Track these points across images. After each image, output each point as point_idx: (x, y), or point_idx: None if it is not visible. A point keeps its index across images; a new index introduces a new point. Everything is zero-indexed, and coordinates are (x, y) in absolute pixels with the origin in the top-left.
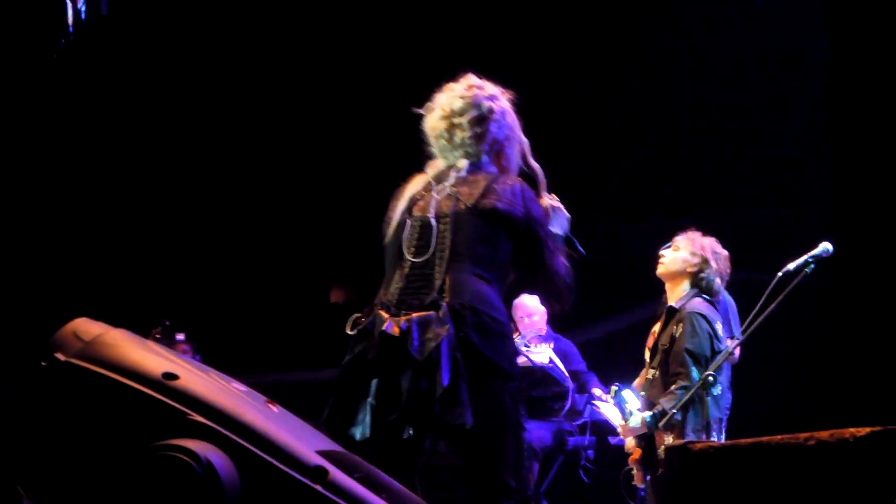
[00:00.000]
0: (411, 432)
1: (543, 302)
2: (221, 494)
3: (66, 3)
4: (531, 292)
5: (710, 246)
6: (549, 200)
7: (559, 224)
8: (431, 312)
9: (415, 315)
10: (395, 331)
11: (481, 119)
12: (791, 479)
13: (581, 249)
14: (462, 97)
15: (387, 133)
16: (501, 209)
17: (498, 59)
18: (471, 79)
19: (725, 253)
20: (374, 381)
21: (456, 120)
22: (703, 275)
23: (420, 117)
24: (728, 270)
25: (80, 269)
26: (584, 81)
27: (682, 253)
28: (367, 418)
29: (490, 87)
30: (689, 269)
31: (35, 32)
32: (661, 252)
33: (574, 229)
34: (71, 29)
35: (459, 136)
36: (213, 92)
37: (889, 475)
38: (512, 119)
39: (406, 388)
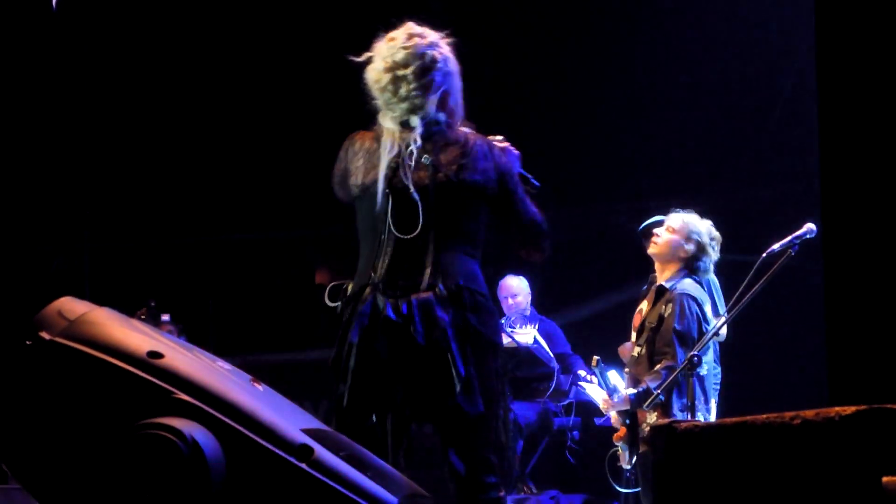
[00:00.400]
0: (407, 412)
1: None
2: (206, 473)
3: None
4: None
5: (707, 232)
6: (497, 143)
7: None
8: (430, 294)
9: (413, 298)
10: (396, 314)
11: (425, 70)
12: (777, 459)
13: (535, 182)
14: (404, 48)
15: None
16: (481, 182)
17: (484, 26)
18: (411, 27)
19: (719, 236)
20: (380, 367)
21: (400, 72)
22: (697, 263)
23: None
24: (718, 253)
25: (66, 250)
26: (573, 58)
27: (677, 237)
28: (377, 405)
29: (431, 35)
30: (683, 255)
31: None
32: (655, 231)
33: (559, 208)
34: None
35: (405, 88)
36: (197, 70)
37: (874, 454)
38: (454, 65)
39: (413, 375)
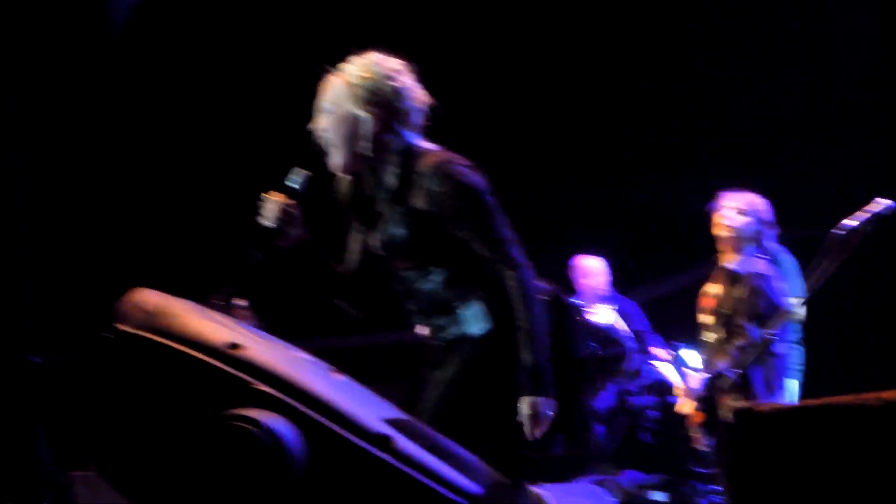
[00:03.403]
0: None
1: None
2: (287, 463)
3: None
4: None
5: (763, 208)
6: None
7: None
8: None
9: None
10: None
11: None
12: (858, 441)
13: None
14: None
15: None
16: None
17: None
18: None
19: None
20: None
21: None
22: (761, 239)
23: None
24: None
25: (140, 239)
26: (641, 41)
27: (748, 219)
28: None
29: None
30: (754, 236)
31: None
32: (724, 214)
33: (631, 189)
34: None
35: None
36: (234, 54)
37: None
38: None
39: None
